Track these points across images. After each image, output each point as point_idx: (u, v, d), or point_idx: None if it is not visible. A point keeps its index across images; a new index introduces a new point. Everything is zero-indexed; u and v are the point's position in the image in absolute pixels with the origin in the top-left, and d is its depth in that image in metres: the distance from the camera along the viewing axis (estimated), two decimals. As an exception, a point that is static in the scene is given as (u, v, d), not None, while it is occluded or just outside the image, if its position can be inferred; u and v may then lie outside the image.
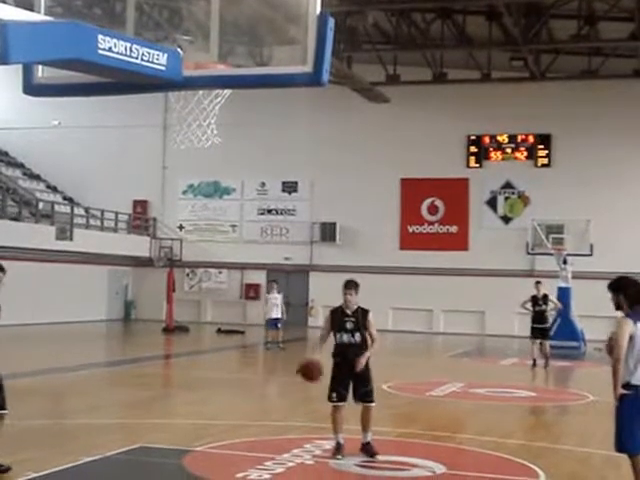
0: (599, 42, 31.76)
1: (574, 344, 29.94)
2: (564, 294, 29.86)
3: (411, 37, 31.71)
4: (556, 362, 23.91)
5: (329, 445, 11.15)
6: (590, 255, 33.22)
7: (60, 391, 17.77)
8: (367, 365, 11.08)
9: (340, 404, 11.03)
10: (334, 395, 11.02)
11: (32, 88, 8.56)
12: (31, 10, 7.95)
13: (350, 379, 11.04)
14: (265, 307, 27.49)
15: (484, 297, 37.01)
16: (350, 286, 11.15)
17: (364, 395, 11.07)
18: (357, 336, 11.02)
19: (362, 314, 11.10)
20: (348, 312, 11.10)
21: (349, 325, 11.05)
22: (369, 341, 11.05)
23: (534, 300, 24.43)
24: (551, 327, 26.19)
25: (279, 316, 26.85)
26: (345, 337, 11.05)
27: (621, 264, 32.99)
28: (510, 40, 30.23)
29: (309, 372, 11.02)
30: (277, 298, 26.88)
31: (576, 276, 31.42)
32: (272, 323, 26.96)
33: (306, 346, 29.34)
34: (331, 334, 11.21)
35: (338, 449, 10.97)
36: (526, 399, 18.05)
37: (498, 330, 36.41)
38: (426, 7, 30.57)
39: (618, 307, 8.71)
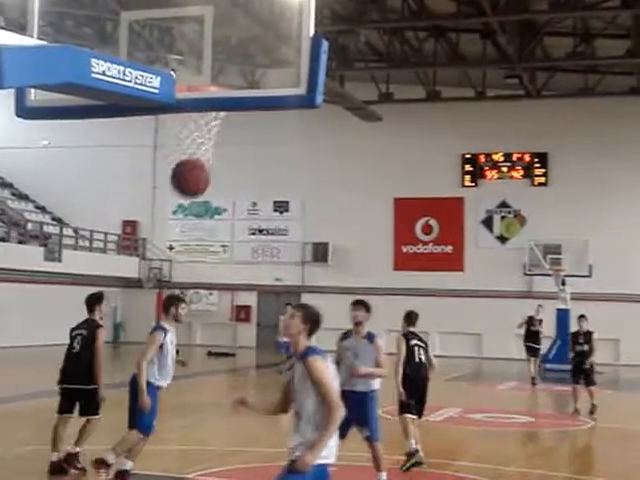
0: (595, 60, 31.52)
1: (574, 367, 29.64)
2: (563, 316, 29.62)
3: (404, 55, 31.49)
4: (555, 386, 23.78)
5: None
6: (589, 276, 32.93)
7: (47, 416, 17.35)
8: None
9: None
10: None
11: (25, 111, 8.50)
12: (23, 30, 7.99)
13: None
14: (280, 329, 26.63)
15: (481, 319, 36.52)
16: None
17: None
18: None
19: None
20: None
21: None
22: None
23: (530, 320, 26.14)
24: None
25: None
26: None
27: (621, 285, 32.79)
28: (504, 58, 30.04)
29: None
30: None
31: (575, 297, 30.99)
32: (284, 346, 26.33)
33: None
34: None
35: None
36: (525, 425, 17.83)
37: (495, 353, 36.00)
38: (419, 25, 30.38)
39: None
